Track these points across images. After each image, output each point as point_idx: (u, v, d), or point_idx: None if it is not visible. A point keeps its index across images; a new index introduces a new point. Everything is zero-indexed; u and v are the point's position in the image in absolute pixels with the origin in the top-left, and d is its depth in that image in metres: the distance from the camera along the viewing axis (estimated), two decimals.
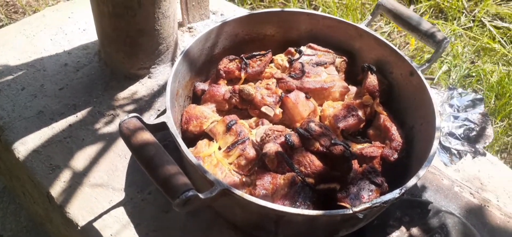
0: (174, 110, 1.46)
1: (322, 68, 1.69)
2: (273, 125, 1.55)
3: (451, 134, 1.57)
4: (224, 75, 1.68)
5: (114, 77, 1.89)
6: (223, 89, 1.61)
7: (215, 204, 1.36)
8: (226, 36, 1.75)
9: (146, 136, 1.19)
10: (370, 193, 1.32)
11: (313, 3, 3.48)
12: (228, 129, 1.46)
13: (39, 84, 1.87)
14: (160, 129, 1.31)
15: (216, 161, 1.40)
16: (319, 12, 1.81)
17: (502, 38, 3.13)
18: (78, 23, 2.18)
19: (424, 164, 1.27)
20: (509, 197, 1.64)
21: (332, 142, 1.36)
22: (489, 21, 3.26)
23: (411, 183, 1.23)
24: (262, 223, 1.32)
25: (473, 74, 2.91)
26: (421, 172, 1.25)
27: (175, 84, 1.49)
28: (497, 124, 2.63)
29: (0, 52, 2.01)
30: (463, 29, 3.22)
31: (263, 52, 1.72)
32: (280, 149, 1.37)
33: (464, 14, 3.34)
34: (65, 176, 1.57)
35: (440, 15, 3.42)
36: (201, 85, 1.69)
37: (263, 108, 1.56)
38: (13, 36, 2.11)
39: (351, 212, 1.17)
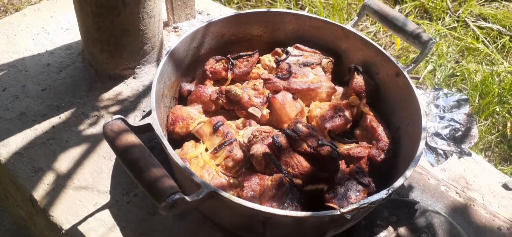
0: (159, 112, 1.44)
1: (309, 68, 1.69)
2: (260, 125, 1.54)
3: (437, 134, 1.58)
4: (210, 75, 1.66)
5: (98, 78, 1.86)
6: (209, 90, 1.60)
7: (202, 206, 1.35)
8: (212, 37, 1.74)
9: (131, 138, 1.17)
10: (358, 194, 1.32)
11: (300, 2, 3.48)
12: (215, 130, 1.45)
13: (21, 85, 1.84)
14: (145, 131, 1.29)
15: (203, 163, 1.39)
16: (305, 13, 1.81)
17: (486, 38, 3.17)
18: (61, 23, 2.14)
19: (411, 164, 1.28)
20: (494, 196, 1.66)
21: (319, 142, 1.35)
22: (472, 22, 3.31)
23: (398, 183, 1.23)
24: (250, 225, 1.31)
25: (458, 73, 2.95)
26: (408, 173, 1.26)
27: (160, 85, 1.47)
28: (481, 122, 2.67)
29: None
30: (448, 29, 3.26)
31: (250, 52, 1.72)
32: (267, 150, 1.36)
33: (448, 15, 3.38)
34: (48, 179, 1.54)
35: (425, 15, 3.45)
36: (187, 86, 1.67)
37: (250, 109, 1.55)
38: None
39: (339, 213, 1.17)
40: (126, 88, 1.84)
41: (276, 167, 1.34)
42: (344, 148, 1.52)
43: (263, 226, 1.26)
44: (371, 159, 1.47)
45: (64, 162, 1.59)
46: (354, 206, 1.18)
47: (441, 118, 1.62)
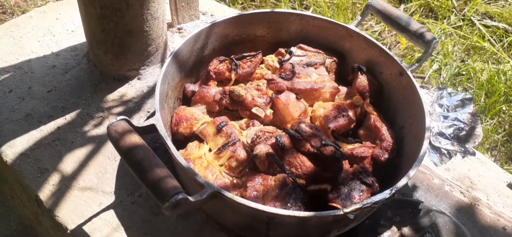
0: (163, 112, 1.45)
1: (313, 69, 1.69)
2: (264, 126, 1.54)
3: (441, 134, 1.58)
4: (214, 76, 1.67)
5: (103, 79, 1.88)
6: (213, 90, 1.61)
7: (206, 206, 1.36)
8: (216, 37, 1.74)
9: (135, 139, 1.18)
10: (361, 193, 1.32)
11: (304, 2, 3.48)
12: (219, 130, 1.45)
13: (27, 86, 1.85)
14: (149, 131, 1.30)
15: (207, 163, 1.39)
16: (309, 13, 1.81)
17: (492, 37, 3.15)
18: (66, 25, 2.16)
19: (414, 164, 1.27)
20: (498, 196, 1.65)
21: (323, 142, 1.35)
22: (478, 20, 3.29)
23: (401, 183, 1.23)
24: (253, 225, 1.31)
25: (463, 72, 2.93)
26: (412, 172, 1.25)
27: (164, 86, 1.48)
28: (487, 121, 2.65)
29: None
30: (453, 28, 3.24)
31: (253, 53, 1.72)
32: (270, 150, 1.36)
33: (454, 13, 3.36)
34: (54, 179, 1.56)
35: (430, 14, 3.44)
36: (191, 87, 1.68)
37: (254, 110, 1.56)
38: None
39: (342, 213, 1.17)
40: (130, 89, 1.85)
41: (279, 167, 1.34)
42: (347, 147, 1.51)
43: (266, 226, 1.27)
44: (374, 158, 1.47)
45: (69, 162, 1.60)
46: (357, 206, 1.18)
47: (445, 117, 1.61)
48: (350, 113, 1.57)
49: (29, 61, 1.96)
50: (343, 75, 1.77)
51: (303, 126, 1.40)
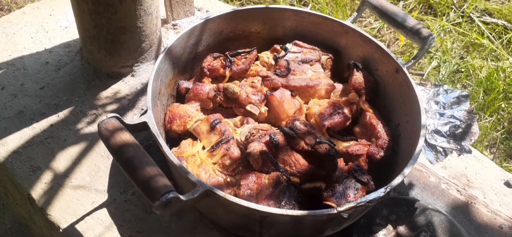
0: (156, 110, 1.43)
1: (308, 65, 1.67)
2: (258, 123, 1.53)
3: (437, 132, 1.56)
4: (208, 73, 1.65)
5: (97, 76, 1.86)
6: (207, 87, 1.59)
7: (199, 205, 1.35)
8: (210, 34, 1.73)
9: (126, 137, 1.16)
10: (356, 192, 1.30)
11: None
12: (212, 128, 1.44)
13: (20, 83, 1.84)
14: (141, 129, 1.28)
15: (200, 161, 1.38)
16: (304, 9, 1.79)
17: (491, 34, 3.13)
18: (60, 21, 2.14)
19: (409, 162, 1.26)
20: (495, 194, 1.64)
21: (317, 140, 1.34)
22: (477, 17, 3.26)
23: (396, 181, 1.22)
24: (247, 223, 1.30)
25: (462, 69, 2.91)
26: (407, 170, 1.24)
27: (157, 83, 1.46)
28: (486, 119, 2.63)
29: None
30: (452, 25, 3.22)
31: (248, 49, 1.70)
32: (264, 148, 1.34)
33: (453, 10, 3.34)
34: (46, 177, 1.54)
35: (429, 11, 3.42)
36: (185, 84, 1.66)
37: (248, 107, 1.54)
38: None
39: (335, 211, 1.15)
40: (124, 86, 1.84)
41: (273, 165, 1.33)
42: (343, 145, 1.50)
43: (259, 225, 1.25)
44: (370, 156, 1.45)
45: (62, 160, 1.59)
46: (351, 205, 1.16)
47: (441, 115, 1.60)
48: (346, 110, 1.56)
49: (22, 57, 1.95)
50: (339, 72, 1.76)
51: (297, 123, 1.39)
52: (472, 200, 1.59)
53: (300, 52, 1.71)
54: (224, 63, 1.66)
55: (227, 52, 1.68)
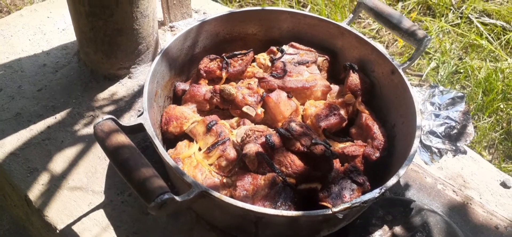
0: (152, 111, 1.44)
1: (304, 67, 1.67)
2: (255, 124, 1.53)
3: (432, 132, 1.56)
4: (204, 75, 1.65)
5: (94, 78, 1.87)
6: (203, 89, 1.59)
7: (195, 206, 1.35)
8: (207, 35, 1.73)
9: (121, 138, 1.17)
10: (352, 192, 1.31)
11: (302, 0, 3.46)
12: (208, 129, 1.44)
13: (17, 85, 1.84)
14: (137, 131, 1.29)
15: (196, 162, 1.38)
16: (300, 11, 1.80)
17: (489, 35, 3.13)
18: (57, 23, 2.15)
19: (404, 163, 1.26)
20: (491, 194, 1.64)
21: (313, 141, 1.34)
22: (476, 18, 3.27)
23: (391, 182, 1.22)
24: (242, 224, 1.30)
25: (461, 70, 2.92)
26: (402, 171, 1.24)
27: (153, 85, 1.46)
28: (485, 119, 2.63)
29: None
30: (451, 25, 3.22)
31: (244, 51, 1.71)
32: (260, 150, 1.35)
33: (451, 11, 3.34)
34: (43, 179, 1.55)
35: (428, 12, 3.42)
36: (182, 85, 1.67)
37: (245, 108, 1.55)
38: None
39: (330, 212, 1.16)
40: (121, 88, 1.84)
41: (269, 166, 1.33)
42: (338, 146, 1.50)
43: (255, 226, 1.26)
44: (366, 157, 1.46)
45: (59, 162, 1.59)
46: (346, 205, 1.17)
47: (437, 116, 1.60)
48: (342, 112, 1.56)
49: (20, 60, 1.95)
50: (335, 74, 1.76)
51: (293, 124, 1.39)
52: (468, 201, 1.59)
53: (296, 54, 1.72)
54: (221, 65, 1.66)
55: (223, 54, 1.69)
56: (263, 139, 1.37)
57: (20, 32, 2.09)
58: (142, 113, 1.32)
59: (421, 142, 1.58)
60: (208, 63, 1.67)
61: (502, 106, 2.70)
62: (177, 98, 1.67)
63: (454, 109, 1.58)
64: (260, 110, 1.55)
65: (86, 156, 1.62)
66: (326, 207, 1.22)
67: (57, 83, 1.85)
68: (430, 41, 1.54)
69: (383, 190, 1.20)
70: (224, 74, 1.65)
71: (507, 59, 2.96)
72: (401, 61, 2.40)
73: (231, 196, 1.27)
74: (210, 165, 1.39)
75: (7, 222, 2.20)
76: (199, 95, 1.58)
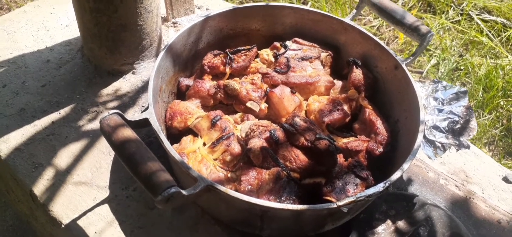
0: (157, 107, 1.44)
1: (308, 62, 1.68)
2: (258, 120, 1.54)
3: (436, 127, 1.57)
4: (208, 70, 1.66)
5: (98, 74, 1.87)
6: (207, 84, 1.60)
7: (200, 200, 1.36)
8: (210, 31, 1.74)
9: (127, 133, 1.17)
10: (356, 187, 1.32)
11: None
12: (213, 124, 1.45)
13: (21, 81, 1.85)
14: (142, 125, 1.29)
15: (201, 157, 1.39)
16: (303, 6, 1.80)
17: (490, 32, 3.14)
18: (61, 19, 2.15)
19: (408, 157, 1.27)
20: (494, 189, 1.65)
21: (317, 136, 1.35)
22: (476, 15, 3.27)
23: (395, 176, 1.23)
24: (248, 218, 1.31)
25: (461, 67, 2.93)
26: (405, 165, 1.25)
27: (158, 80, 1.47)
28: (485, 116, 2.64)
29: None
30: (451, 22, 3.23)
31: (248, 47, 1.71)
32: (265, 144, 1.36)
33: (452, 8, 3.35)
34: (48, 174, 1.55)
35: (428, 8, 3.43)
36: (186, 81, 1.67)
37: (248, 104, 1.55)
38: None
39: (335, 206, 1.17)
40: (125, 84, 1.85)
41: (273, 161, 1.34)
42: (342, 141, 1.51)
43: (260, 220, 1.26)
44: (369, 152, 1.46)
45: (63, 157, 1.60)
46: (351, 199, 1.17)
47: (440, 111, 1.61)
48: (345, 107, 1.57)
49: (23, 56, 1.95)
50: (338, 69, 1.77)
51: (297, 119, 1.40)
52: (470, 195, 1.60)
53: (299, 49, 1.72)
54: (224, 60, 1.67)
55: (227, 50, 1.69)
56: (268, 134, 1.38)
57: (24, 28, 2.09)
58: (147, 108, 1.33)
59: (424, 136, 1.59)
60: (212, 59, 1.68)
61: (502, 103, 2.71)
62: (181, 94, 1.67)
63: (457, 104, 1.59)
64: (264, 105, 1.56)
65: (90, 151, 1.62)
66: (330, 201, 1.23)
67: (61, 79, 1.86)
68: (433, 36, 1.55)
69: (387, 184, 1.21)
70: (227, 70, 1.66)
71: (507, 56, 2.97)
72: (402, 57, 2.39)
73: (236, 191, 1.28)
74: (215, 159, 1.39)
75: (10, 218, 2.20)
76: (203, 91, 1.59)
